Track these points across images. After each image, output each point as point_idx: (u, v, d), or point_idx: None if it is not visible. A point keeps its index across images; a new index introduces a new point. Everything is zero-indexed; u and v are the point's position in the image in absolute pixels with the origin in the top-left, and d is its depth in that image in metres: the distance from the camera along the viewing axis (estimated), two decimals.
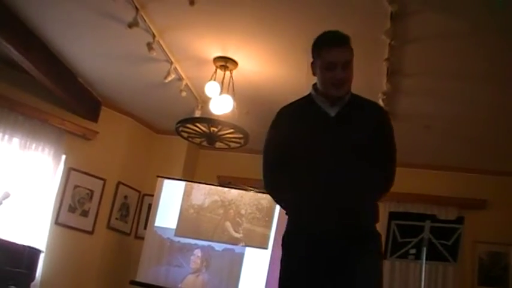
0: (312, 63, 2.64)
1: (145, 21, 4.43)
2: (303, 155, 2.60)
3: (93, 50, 5.28)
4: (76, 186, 6.24)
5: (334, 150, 2.53)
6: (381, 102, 4.90)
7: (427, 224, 4.17)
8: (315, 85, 2.68)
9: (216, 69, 5.05)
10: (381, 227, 6.68)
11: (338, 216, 2.46)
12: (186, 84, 5.51)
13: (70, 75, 5.76)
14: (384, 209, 6.34)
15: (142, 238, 6.52)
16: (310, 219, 2.54)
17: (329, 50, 2.53)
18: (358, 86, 5.16)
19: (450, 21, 3.83)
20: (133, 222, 6.96)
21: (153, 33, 4.61)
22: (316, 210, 2.52)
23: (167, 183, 6.53)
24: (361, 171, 2.51)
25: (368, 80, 4.86)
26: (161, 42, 4.77)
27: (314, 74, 2.65)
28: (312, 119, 2.64)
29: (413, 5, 3.75)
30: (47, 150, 5.95)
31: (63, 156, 6.15)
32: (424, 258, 4.19)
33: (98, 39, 5.02)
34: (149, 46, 4.63)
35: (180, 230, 6.35)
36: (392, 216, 4.36)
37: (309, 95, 2.72)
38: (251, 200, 6.33)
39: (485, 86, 4.57)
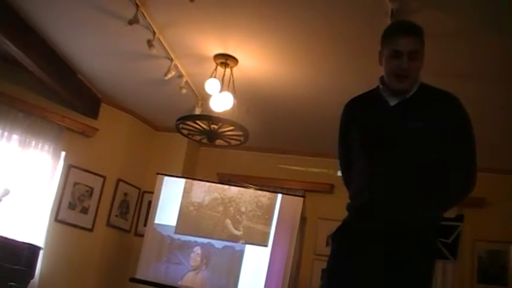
0: (380, 52, 2.54)
1: (145, 18, 4.42)
2: (363, 149, 2.55)
3: (93, 47, 5.28)
4: (76, 183, 6.24)
5: (390, 143, 2.42)
6: None
7: None
8: (382, 77, 2.57)
9: (216, 67, 5.04)
10: None
11: (385, 214, 2.38)
12: (186, 81, 5.51)
13: (70, 72, 5.75)
14: None
15: (142, 235, 6.53)
16: (361, 214, 2.55)
17: (397, 38, 2.41)
18: (359, 84, 5.16)
19: (450, 19, 3.82)
20: (133, 220, 6.96)
21: (153, 30, 4.61)
22: (366, 206, 2.49)
23: (167, 180, 6.53)
24: (419, 166, 2.36)
25: (368, 78, 4.85)
26: (161, 39, 4.77)
27: (380, 63, 2.55)
28: (374, 110, 2.55)
29: (414, 3, 3.74)
30: (46, 147, 5.95)
31: (63, 153, 6.14)
32: None
33: (98, 36, 5.02)
34: (149, 43, 4.62)
35: (180, 227, 6.35)
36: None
37: (377, 87, 2.62)
38: (251, 198, 6.33)
39: (484, 84, 4.57)
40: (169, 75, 5.15)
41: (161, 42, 4.80)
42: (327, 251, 6.99)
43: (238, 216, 6.28)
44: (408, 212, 2.36)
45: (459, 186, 2.43)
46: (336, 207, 6.84)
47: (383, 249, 2.35)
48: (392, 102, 2.47)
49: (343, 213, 7.00)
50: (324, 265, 7.17)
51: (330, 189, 6.89)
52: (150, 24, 4.53)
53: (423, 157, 2.37)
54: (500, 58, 4.21)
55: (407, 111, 2.42)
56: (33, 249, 5.19)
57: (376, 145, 2.47)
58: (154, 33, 4.63)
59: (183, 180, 6.58)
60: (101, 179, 6.47)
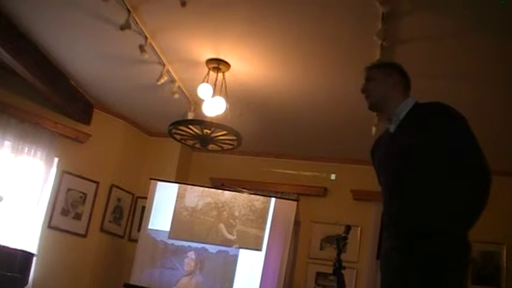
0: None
1: (137, 23, 4.42)
2: (377, 174, 2.82)
3: (85, 53, 5.28)
4: (69, 189, 6.23)
5: (390, 166, 2.65)
6: None
7: None
8: None
9: (208, 71, 5.05)
10: (375, 227, 6.72)
11: (397, 233, 2.52)
12: (179, 86, 5.51)
13: (62, 77, 5.75)
14: (377, 209, 6.47)
15: (136, 241, 6.51)
16: (384, 234, 2.67)
17: None
18: (351, 86, 5.19)
19: (441, 22, 3.84)
20: (126, 225, 6.95)
21: (145, 36, 4.61)
22: (385, 228, 2.65)
23: (160, 185, 6.53)
24: (417, 184, 2.48)
25: (360, 81, 4.86)
26: (153, 44, 4.77)
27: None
28: (383, 141, 2.83)
29: (405, 5, 3.76)
30: (39, 153, 5.94)
31: (56, 159, 6.13)
32: None
33: (90, 42, 5.02)
34: (141, 48, 4.62)
35: (174, 232, 6.35)
36: None
37: None
38: (244, 202, 6.33)
39: (475, 86, 4.59)
40: (162, 81, 5.15)
41: (153, 48, 4.81)
42: (321, 254, 7.08)
43: (231, 221, 6.28)
44: (408, 225, 2.46)
45: (469, 192, 2.43)
46: (330, 211, 6.95)
47: (397, 263, 2.49)
48: (392, 129, 2.70)
49: (337, 217, 7.05)
50: (318, 268, 7.21)
51: (323, 192, 6.90)
52: (142, 30, 4.53)
53: (419, 169, 2.48)
54: (491, 60, 4.23)
55: (402, 131, 2.63)
56: (27, 256, 5.18)
57: (381, 167, 2.76)
58: (146, 38, 4.64)
59: (177, 185, 6.58)
60: (94, 185, 6.45)
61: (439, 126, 2.49)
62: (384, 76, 2.76)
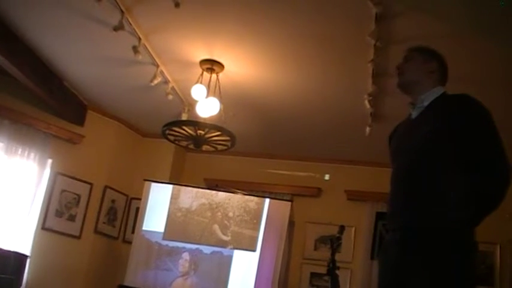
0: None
1: (130, 24, 4.42)
2: (391, 162, 2.74)
3: (78, 54, 5.27)
4: (63, 191, 6.21)
5: (403, 155, 2.61)
6: (366, 104, 4.93)
7: None
8: None
9: (202, 72, 5.05)
10: (369, 227, 6.72)
11: (399, 225, 2.50)
12: (173, 87, 5.51)
13: (56, 78, 5.73)
14: (371, 210, 6.48)
15: (130, 242, 6.50)
16: (387, 226, 2.66)
17: None
18: (345, 87, 5.22)
19: (434, 23, 3.85)
20: (121, 226, 6.94)
21: (139, 36, 4.61)
22: (388, 219, 2.64)
23: (154, 186, 6.52)
24: (431, 173, 2.43)
25: (354, 81, 4.89)
26: (147, 45, 4.77)
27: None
28: (402, 127, 2.80)
29: (398, 6, 3.77)
30: (32, 154, 5.92)
31: (50, 161, 6.12)
32: None
33: (83, 43, 5.01)
34: (135, 49, 4.62)
35: (168, 233, 6.34)
36: (380, 216, 4.37)
37: None
38: (239, 203, 6.34)
39: (467, 87, 4.58)
40: (156, 82, 5.15)
41: (147, 48, 4.80)
42: (315, 255, 7.09)
43: (226, 222, 6.28)
44: (413, 218, 2.42)
45: (483, 190, 2.34)
46: (324, 211, 6.96)
47: (397, 257, 2.45)
48: (414, 115, 2.67)
49: (331, 217, 7.06)
50: (312, 269, 7.22)
51: (317, 193, 6.91)
52: (135, 30, 4.53)
53: (433, 160, 2.44)
54: (486, 62, 4.25)
55: (424, 119, 2.59)
56: (20, 258, 5.17)
57: (396, 154, 2.70)
58: (139, 39, 4.63)
59: (171, 186, 6.57)
60: (88, 186, 6.44)
61: (462, 119, 2.43)
62: (423, 60, 2.72)
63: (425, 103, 2.61)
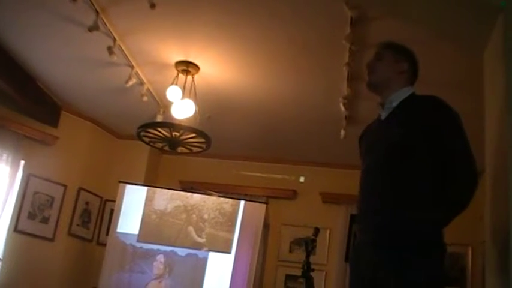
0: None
1: (105, 24, 4.39)
2: (361, 162, 2.71)
3: (52, 54, 5.21)
4: (36, 193, 6.14)
5: (372, 156, 2.59)
6: (341, 107, 4.96)
7: None
8: None
9: (177, 74, 5.03)
10: (343, 230, 6.74)
11: (369, 226, 2.49)
12: (148, 89, 5.48)
13: (29, 79, 5.66)
14: (345, 212, 6.51)
15: (104, 244, 6.45)
16: (357, 227, 2.66)
17: None
18: (320, 90, 5.24)
19: (408, 28, 3.88)
20: (95, 229, 6.88)
21: (114, 37, 4.58)
22: (357, 220, 2.63)
23: (129, 188, 6.48)
24: (400, 176, 2.42)
25: (329, 84, 4.92)
26: (122, 46, 4.74)
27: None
28: (372, 128, 2.78)
29: (373, 11, 3.80)
30: (4, 156, 5.84)
31: (22, 162, 6.03)
32: None
33: (57, 43, 4.95)
34: (110, 50, 4.59)
35: (143, 235, 6.31)
36: (354, 218, 4.39)
37: None
38: (214, 205, 6.33)
39: (441, 92, 4.66)
40: (131, 83, 5.12)
41: (122, 49, 4.77)
42: (291, 257, 7.10)
43: (201, 224, 6.27)
44: (382, 219, 2.42)
45: (452, 193, 2.37)
46: (299, 214, 6.97)
47: (368, 259, 2.44)
48: (383, 116, 2.64)
49: (306, 219, 7.07)
50: (287, 271, 7.22)
51: (292, 195, 6.93)
52: (110, 31, 4.50)
53: (402, 162, 2.44)
54: (454, 66, 4.30)
55: (393, 120, 2.57)
56: None
57: (365, 155, 2.68)
58: (114, 40, 4.60)
59: (145, 188, 6.54)
60: (62, 188, 6.37)
61: (432, 122, 2.43)
62: (394, 60, 2.69)
63: (394, 104, 2.60)
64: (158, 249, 6.24)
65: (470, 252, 6.21)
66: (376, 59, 2.73)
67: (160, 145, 5.48)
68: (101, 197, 6.94)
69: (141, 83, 5.37)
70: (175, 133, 5.07)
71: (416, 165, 2.42)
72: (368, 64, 2.75)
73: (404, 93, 2.62)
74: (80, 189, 6.58)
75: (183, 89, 5.01)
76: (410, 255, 2.30)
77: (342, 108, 4.98)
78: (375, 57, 2.74)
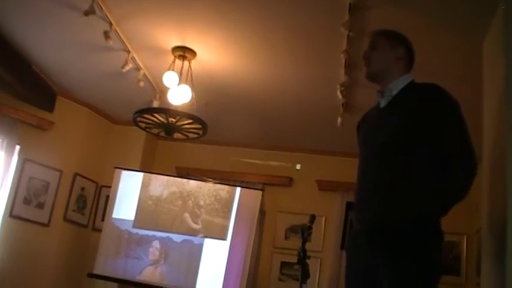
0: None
1: (102, 9, 4.35)
2: (359, 151, 2.70)
3: (48, 38, 5.17)
4: (31, 178, 6.11)
5: (371, 144, 2.58)
6: (339, 94, 4.95)
7: None
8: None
9: (174, 59, 5.00)
10: (339, 217, 6.75)
11: (366, 215, 2.48)
12: (144, 74, 5.45)
13: (24, 64, 5.62)
14: (341, 199, 6.52)
15: (99, 230, 6.46)
16: (354, 215, 2.63)
17: None
18: (317, 77, 5.22)
19: (407, 16, 3.85)
20: (90, 214, 6.87)
21: (110, 22, 4.54)
22: (355, 208, 2.62)
23: (125, 174, 6.48)
24: (398, 165, 2.42)
25: (326, 71, 4.90)
26: (118, 30, 4.70)
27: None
28: (370, 116, 2.77)
29: None
30: (0, 140, 5.81)
31: (18, 147, 6.00)
32: None
33: (53, 27, 4.91)
34: (106, 35, 4.55)
35: (138, 221, 6.31)
36: (350, 206, 4.38)
37: None
38: (210, 191, 6.33)
39: (439, 80, 4.63)
40: (127, 68, 5.09)
41: (118, 34, 4.74)
42: (286, 244, 7.11)
43: (197, 210, 6.27)
44: (380, 208, 2.41)
45: (451, 182, 2.37)
46: (295, 201, 6.97)
47: (364, 248, 2.45)
48: (382, 104, 2.63)
49: (302, 206, 7.07)
50: (283, 258, 7.23)
51: (288, 182, 6.93)
52: (106, 16, 4.46)
53: (401, 150, 2.43)
54: (453, 55, 4.29)
55: (392, 108, 2.56)
56: None
57: (364, 144, 2.67)
58: (111, 24, 4.56)
59: (141, 174, 6.54)
60: (58, 173, 6.36)
61: (432, 109, 2.42)
62: (390, 47, 2.67)
63: (394, 92, 2.59)
64: (154, 235, 6.24)
65: (465, 241, 6.23)
66: (371, 49, 2.71)
67: (156, 131, 5.46)
68: (97, 183, 6.92)
69: (138, 68, 5.34)
70: (171, 119, 5.05)
71: (415, 153, 2.41)
72: (364, 55, 2.73)
73: (403, 81, 2.62)
74: (76, 174, 6.56)
75: (180, 74, 4.98)
76: (407, 244, 2.30)
77: (339, 96, 4.96)
78: (370, 46, 2.72)
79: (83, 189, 6.71)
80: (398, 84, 2.60)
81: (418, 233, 2.31)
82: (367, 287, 2.44)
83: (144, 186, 6.43)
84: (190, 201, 6.32)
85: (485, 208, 2.93)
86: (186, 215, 6.27)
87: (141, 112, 5.09)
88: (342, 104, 5.21)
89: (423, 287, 2.32)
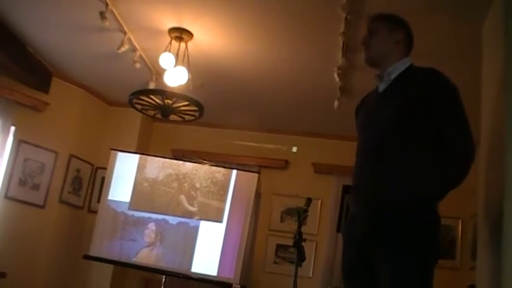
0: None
1: None
2: (358, 135, 2.69)
3: (43, 18, 5.12)
4: (26, 159, 6.09)
5: (371, 128, 2.56)
6: (336, 77, 4.92)
7: None
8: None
9: (170, 41, 4.96)
10: (335, 200, 6.74)
11: (365, 199, 2.47)
12: (140, 55, 5.41)
13: (19, 44, 5.57)
14: (337, 183, 6.52)
15: (95, 212, 6.45)
16: (351, 199, 2.63)
17: None
18: (314, 59, 5.19)
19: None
20: (86, 196, 6.87)
21: (106, 2, 4.49)
22: (352, 192, 2.60)
23: (121, 156, 6.46)
24: (397, 149, 2.42)
25: (324, 54, 4.88)
26: (114, 11, 4.65)
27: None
28: (369, 100, 2.75)
29: None
30: None
31: (13, 128, 5.97)
32: None
33: (48, 7, 4.86)
34: (102, 15, 4.50)
35: (134, 203, 6.31)
36: (346, 189, 4.39)
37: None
38: (206, 174, 6.32)
39: (437, 63, 4.62)
40: (123, 49, 5.05)
41: (114, 15, 4.69)
42: (282, 226, 7.12)
43: (192, 192, 6.26)
44: (379, 192, 2.41)
45: (450, 166, 2.37)
46: (291, 183, 6.98)
47: (361, 232, 2.44)
48: (381, 88, 2.62)
49: (298, 189, 7.08)
50: (278, 241, 7.25)
51: (284, 165, 6.93)
52: None
53: (400, 134, 2.43)
54: (452, 38, 4.26)
55: (391, 92, 2.55)
56: None
57: (363, 127, 2.65)
58: (107, 4, 4.51)
59: (137, 156, 6.52)
60: (53, 155, 6.33)
61: (431, 94, 2.42)
62: (388, 31, 2.65)
63: (393, 76, 2.58)
64: (149, 217, 6.24)
65: (460, 225, 6.26)
66: (370, 34, 2.69)
67: (152, 113, 5.43)
68: (92, 165, 6.91)
69: (134, 50, 5.29)
70: (167, 101, 5.02)
71: (414, 137, 2.41)
72: (363, 41, 2.70)
73: (402, 65, 2.60)
74: (71, 156, 6.54)
75: (176, 56, 4.95)
76: (406, 228, 2.30)
77: (337, 79, 4.94)
78: (369, 32, 2.70)
79: (78, 170, 6.69)
80: (397, 68, 2.59)
81: (417, 217, 2.32)
82: (364, 271, 2.44)
83: (140, 168, 6.42)
84: (186, 184, 6.31)
85: (482, 192, 2.94)
86: (182, 197, 6.27)
87: (137, 94, 5.06)
88: (339, 87, 5.18)
89: (422, 271, 2.32)
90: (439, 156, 2.38)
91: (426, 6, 3.84)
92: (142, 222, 6.23)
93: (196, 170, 6.37)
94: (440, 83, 2.46)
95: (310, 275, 6.46)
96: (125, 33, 4.99)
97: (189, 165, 6.41)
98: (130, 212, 6.28)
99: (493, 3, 3.09)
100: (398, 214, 2.32)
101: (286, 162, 6.95)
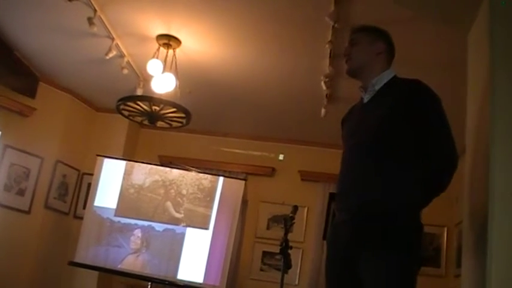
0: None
1: None
2: (343, 144, 2.72)
3: (31, 23, 5.10)
4: (12, 164, 6.05)
5: (356, 137, 2.58)
6: (323, 85, 4.95)
7: None
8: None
9: (158, 47, 4.97)
10: (321, 208, 6.76)
11: (349, 206, 2.49)
12: (128, 62, 5.41)
13: (6, 49, 5.54)
14: (324, 190, 6.54)
15: (81, 218, 6.42)
16: (336, 206, 2.66)
17: None
18: (302, 67, 5.21)
19: (392, 6, 3.85)
20: (72, 202, 6.83)
21: (94, 8, 4.49)
22: (337, 199, 2.63)
23: (107, 162, 6.43)
24: (380, 158, 2.44)
25: (311, 62, 4.90)
26: (102, 17, 4.65)
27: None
28: (354, 111, 2.78)
29: None
30: None
31: None
32: None
33: (36, 12, 4.85)
34: (90, 21, 4.51)
35: (120, 209, 6.28)
36: (332, 197, 4.40)
37: None
38: (192, 180, 6.31)
39: (423, 71, 4.65)
40: (111, 55, 5.05)
41: (102, 20, 4.69)
42: (268, 234, 7.12)
43: (179, 199, 6.25)
44: (363, 199, 2.43)
45: (432, 175, 2.40)
46: (277, 191, 6.99)
47: (346, 238, 2.46)
48: (366, 99, 2.65)
49: (284, 197, 7.08)
50: (265, 248, 7.25)
51: (271, 172, 6.95)
52: (90, 1, 4.40)
53: (384, 144, 2.45)
54: (438, 46, 4.30)
55: (376, 103, 2.58)
56: None
57: (348, 138, 2.68)
58: (95, 10, 4.51)
59: (124, 162, 6.50)
60: (39, 160, 6.30)
61: (415, 105, 2.44)
62: (369, 42, 2.67)
63: (377, 87, 2.61)
64: (136, 224, 6.22)
65: (445, 233, 6.29)
66: (351, 45, 2.71)
67: (139, 119, 5.43)
68: (79, 170, 6.88)
69: (121, 56, 5.29)
70: (155, 107, 5.02)
71: (397, 146, 2.44)
72: (345, 52, 2.73)
73: (386, 76, 2.63)
74: (57, 161, 6.51)
75: (164, 62, 4.95)
76: (388, 236, 2.32)
77: (323, 87, 4.97)
78: (350, 43, 2.72)
79: (64, 176, 6.66)
80: (381, 80, 2.62)
81: (400, 223, 2.34)
82: (348, 277, 2.45)
83: (127, 174, 6.39)
84: (172, 190, 6.30)
85: (467, 201, 2.96)
86: (168, 203, 6.25)
87: (124, 100, 5.06)
88: (326, 95, 5.21)
89: (404, 278, 2.34)
90: (422, 165, 2.41)
91: (412, 15, 3.87)
92: (128, 229, 6.20)
93: (183, 176, 6.36)
94: (424, 94, 2.49)
95: (296, 282, 6.47)
96: (112, 39, 4.99)
97: (175, 172, 6.40)
98: (116, 219, 6.25)
99: (479, 12, 3.12)
100: (382, 220, 2.34)
101: (273, 169, 6.96)
